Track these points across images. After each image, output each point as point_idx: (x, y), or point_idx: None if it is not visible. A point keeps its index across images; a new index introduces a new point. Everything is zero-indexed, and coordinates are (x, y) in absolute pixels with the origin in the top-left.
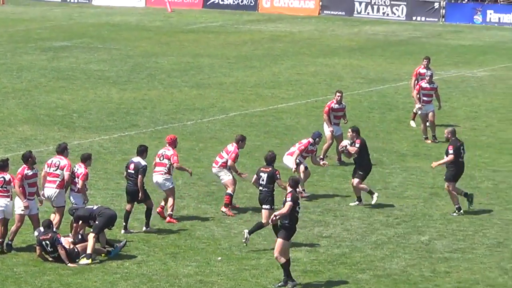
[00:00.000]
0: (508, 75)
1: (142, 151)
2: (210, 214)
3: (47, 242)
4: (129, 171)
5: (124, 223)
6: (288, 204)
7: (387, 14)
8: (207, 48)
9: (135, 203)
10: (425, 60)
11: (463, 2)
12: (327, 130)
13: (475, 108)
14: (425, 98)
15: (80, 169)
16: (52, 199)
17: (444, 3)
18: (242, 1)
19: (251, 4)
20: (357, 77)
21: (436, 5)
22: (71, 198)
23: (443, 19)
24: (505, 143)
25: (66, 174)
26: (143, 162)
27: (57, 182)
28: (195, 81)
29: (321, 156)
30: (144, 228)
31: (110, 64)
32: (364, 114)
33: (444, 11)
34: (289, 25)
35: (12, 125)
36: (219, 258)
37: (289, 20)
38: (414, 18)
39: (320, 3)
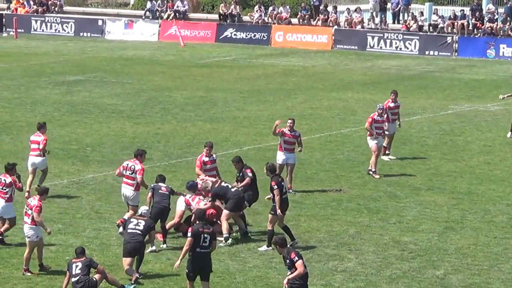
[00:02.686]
0: None
1: (164, 179)
2: (224, 248)
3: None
4: (161, 192)
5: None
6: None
7: (400, 49)
8: (220, 82)
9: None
10: (392, 94)
11: (476, 36)
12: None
13: (489, 142)
14: (377, 131)
15: (33, 201)
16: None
17: (457, 37)
18: (255, 35)
19: (264, 38)
20: (370, 111)
21: (449, 39)
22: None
23: (456, 53)
24: None
25: (139, 177)
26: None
27: (134, 185)
28: (209, 115)
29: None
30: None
31: (124, 98)
32: None
33: (457, 45)
34: (302, 59)
35: (26, 159)
36: None
37: (302, 54)
38: (427, 52)
39: (333, 37)
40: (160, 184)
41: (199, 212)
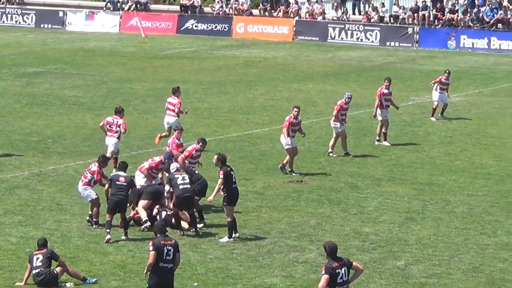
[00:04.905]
0: (482, 100)
1: (126, 166)
2: (186, 240)
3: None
4: (118, 183)
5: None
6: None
7: (361, 40)
8: (181, 74)
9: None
10: (386, 81)
11: (437, 27)
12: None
13: (450, 133)
14: (343, 117)
15: (93, 167)
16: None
17: (418, 28)
18: (216, 27)
19: (225, 29)
20: (331, 102)
21: (410, 30)
22: None
23: (417, 45)
24: (480, 168)
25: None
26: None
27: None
28: None
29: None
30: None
31: (84, 90)
32: (338, 139)
33: (417, 36)
34: (263, 50)
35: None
36: (195, 283)
37: (263, 46)
38: (388, 43)
39: (294, 28)
40: (120, 173)
41: (160, 225)
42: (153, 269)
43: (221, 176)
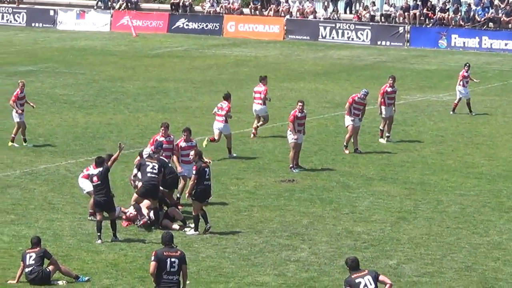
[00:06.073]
0: (473, 99)
1: (102, 161)
2: (177, 239)
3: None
4: (94, 183)
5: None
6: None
7: (352, 39)
8: (172, 73)
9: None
10: (390, 79)
11: (428, 26)
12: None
13: (441, 132)
14: (356, 112)
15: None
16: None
17: (409, 27)
18: (206, 26)
19: (216, 28)
20: (322, 101)
21: (401, 29)
22: None
23: (408, 44)
24: (471, 167)
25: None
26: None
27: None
28: (161, 106)
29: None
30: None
31: (76, 88)
32: (330, 138)
33: (408, 35)
34: (254, 49)
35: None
36: (188, 281)
37: (254, 45)
38: (379, 42)
39: (285, 27)
40: (93, 172)
41: (165, 236)
42: (157, 281)
43: (194, 172)
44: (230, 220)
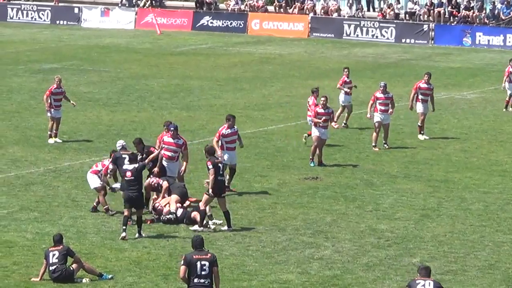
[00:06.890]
0: (497, 97)
1: (136, 158)
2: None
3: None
4: (127, 178)
5: (124, 227)
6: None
7: (376, 37)
8: (196, 70)
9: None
10: (426, 76)
11: (452, 24)
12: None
13: (465, 130)
14: (382, 108)
15: None
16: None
17: (433, 25)
18: (231, 23)
19: (240, 26)
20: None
21: (425, 27)
22: None
23: (432, 42)
24: (495, 165)
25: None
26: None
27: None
28: (185, 103)
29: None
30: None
31: (100, 86)
32: (354, 136)
33: (433, 33)
34: (278, 47)
35: (2, 147)
36: None
37: (278, 42)
38: (403, 40)
39: (309, 25)
40: (127, 167)
41: (196, 240)
42: (189, 285)
43: (210, 166)
44: (254, 218)
